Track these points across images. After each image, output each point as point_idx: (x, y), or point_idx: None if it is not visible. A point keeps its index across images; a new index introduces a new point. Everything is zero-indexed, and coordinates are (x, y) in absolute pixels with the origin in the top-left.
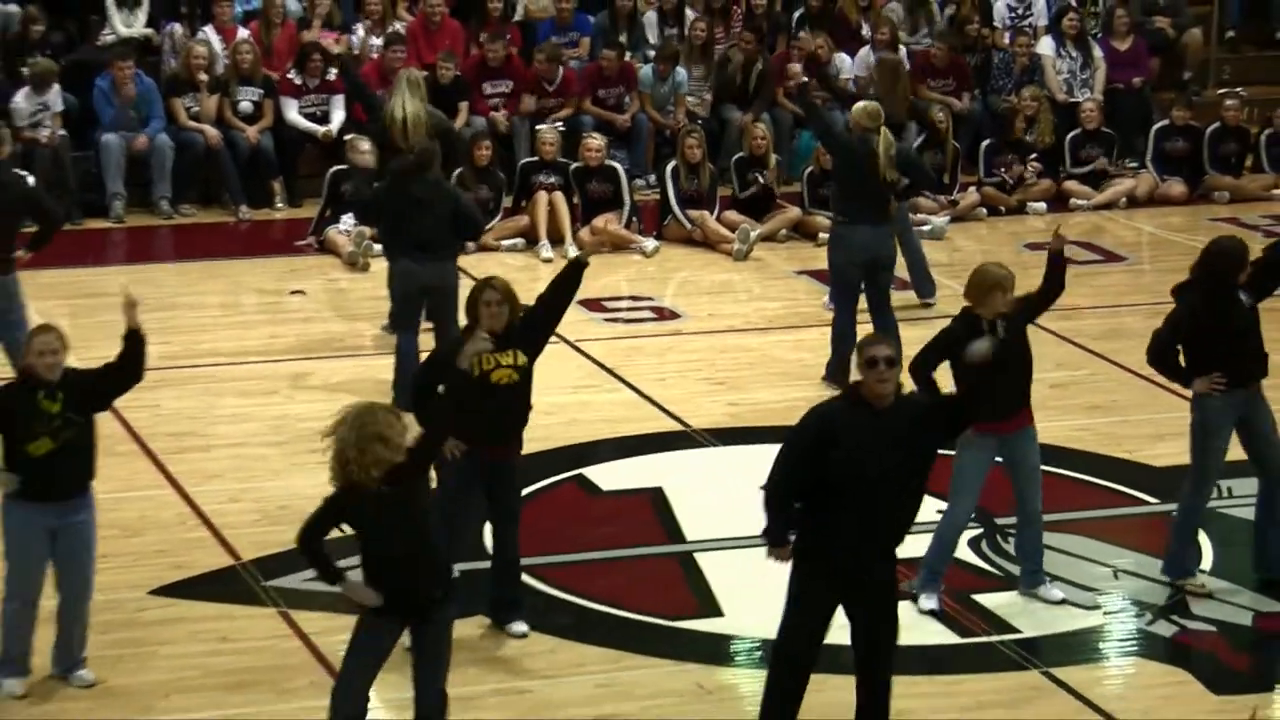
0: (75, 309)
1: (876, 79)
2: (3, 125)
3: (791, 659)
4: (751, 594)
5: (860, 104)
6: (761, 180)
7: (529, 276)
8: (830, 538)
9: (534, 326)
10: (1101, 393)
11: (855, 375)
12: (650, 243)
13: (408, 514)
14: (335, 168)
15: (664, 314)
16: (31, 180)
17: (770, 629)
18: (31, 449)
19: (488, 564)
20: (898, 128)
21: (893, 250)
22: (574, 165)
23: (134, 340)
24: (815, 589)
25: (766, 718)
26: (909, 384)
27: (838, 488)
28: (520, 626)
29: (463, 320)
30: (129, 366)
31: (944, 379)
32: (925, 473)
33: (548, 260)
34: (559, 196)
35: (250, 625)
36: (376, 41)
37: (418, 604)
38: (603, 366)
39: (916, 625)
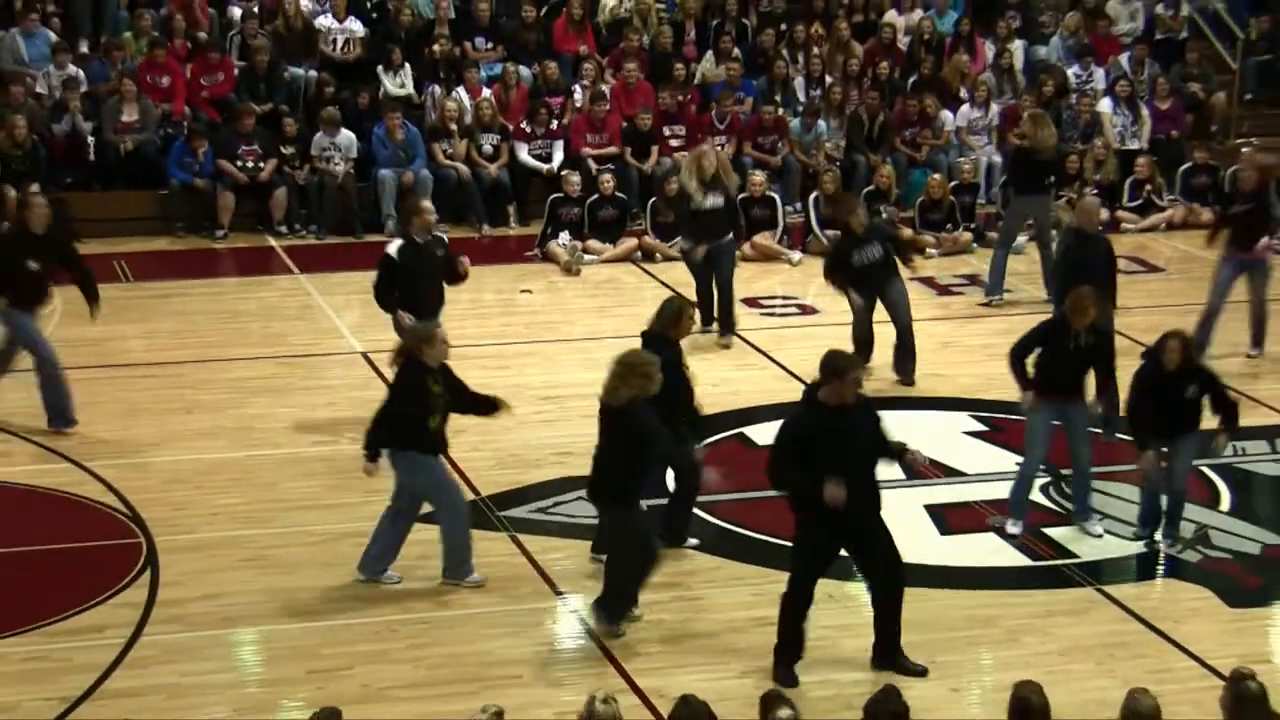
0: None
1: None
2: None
3: (804, 590)
4: None
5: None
6: (885, 214)
7: None
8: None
9: None
10: None
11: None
12: (796, 255)
13: None
14: (554, 195)
15: (806, 309)
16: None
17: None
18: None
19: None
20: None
21: None
22: (742, 195)
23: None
24: (820, 536)
25: (788, 628)
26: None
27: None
28: (693, 541)
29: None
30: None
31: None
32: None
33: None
34: None
35: (489, 547)
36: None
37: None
38: (759, 350)
39: (1001, 550)
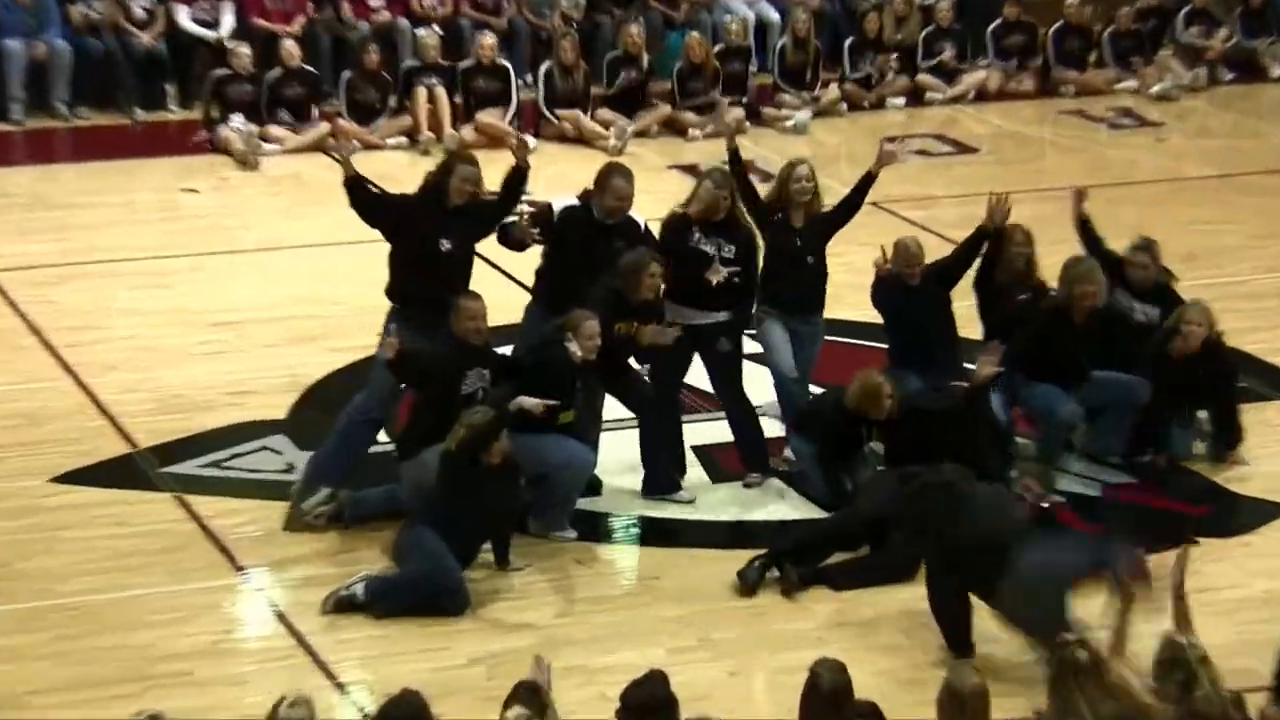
0: None
1: None
2: None
3: None
4: None
5: None
6: (626, 80)
7: (412, 173)
8: None
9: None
10: None
11: None
12: (531, 140)
13: None
14: (219, 71)
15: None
16: None
17: None
18: None
19: None
20: None
21: None
22: (464, 64)
23: None
24: None
25: None
26: None
27: None
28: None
29: None
30: None
31: None
32: None
33: (426, 154)
34: (440, 91)
35: (147, 510)
36: None
37: None
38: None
39: (784, 498)
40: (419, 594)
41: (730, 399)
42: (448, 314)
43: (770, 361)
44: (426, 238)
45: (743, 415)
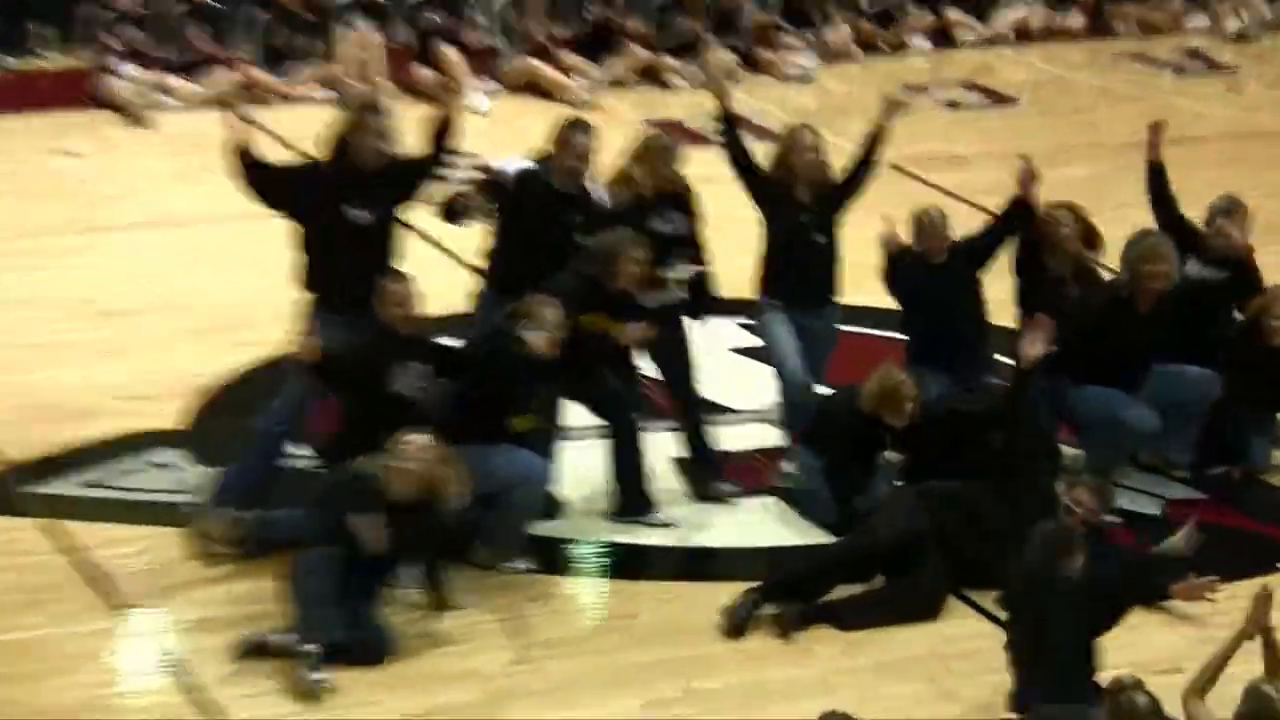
0: None
1: None
2: None
3: None
4: None
5: None
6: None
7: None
8: None
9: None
10: None
11: None
12: (482, 100)
13: None
14: (102, 9)
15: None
16: None
17: None
18: None
19: None
20: None
21: None
22: None
23: None
24: None
25: None
26: None
27: None
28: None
29: None
30: None
31: None
32: None
33: None
34: (373, 35)
35: (12, 539)
36: None
37: None
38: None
39: (785, 520)
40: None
41: (682, 390)
42: (372, 300)
43: (774, 362)
44: (333, 209)
45: (695, 412)
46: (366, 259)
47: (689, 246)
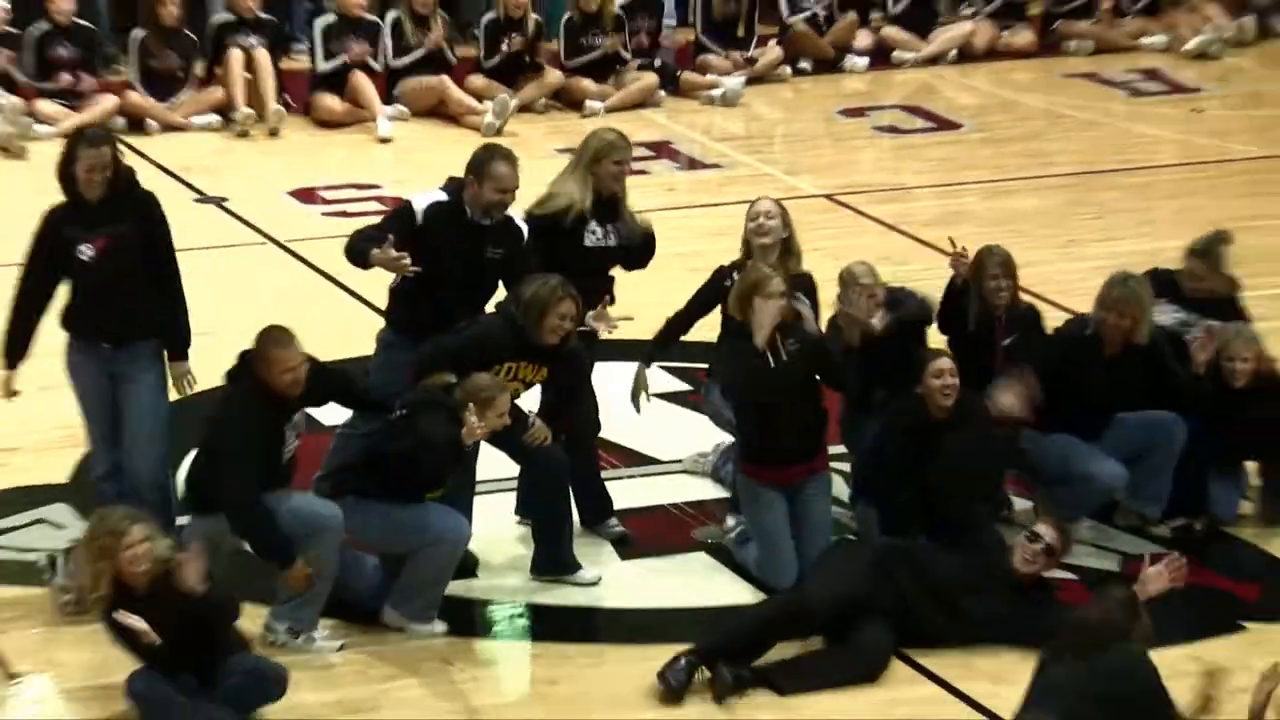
0: None
1: None
2: None
3: None
4: None
5: None
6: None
7: (228, 161)
8: None
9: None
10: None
11: None
12: (385, 124)
13: None
14: None
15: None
16: None
17: None
18: None
19: None
20: None
21: None
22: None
23: None
24: None
25: None
26: None
27: None
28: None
29: None
30: None
31: None
32: None
33: (244, 135)
34: (263, 55)
35: None
36: None
37: None
38: (323, 274)
39: (716, 575)
40: None
41: (582, 424)
42: (101, 342)
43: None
44: (63, 248)
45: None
46: (94, 300)
47: (616, 259)
